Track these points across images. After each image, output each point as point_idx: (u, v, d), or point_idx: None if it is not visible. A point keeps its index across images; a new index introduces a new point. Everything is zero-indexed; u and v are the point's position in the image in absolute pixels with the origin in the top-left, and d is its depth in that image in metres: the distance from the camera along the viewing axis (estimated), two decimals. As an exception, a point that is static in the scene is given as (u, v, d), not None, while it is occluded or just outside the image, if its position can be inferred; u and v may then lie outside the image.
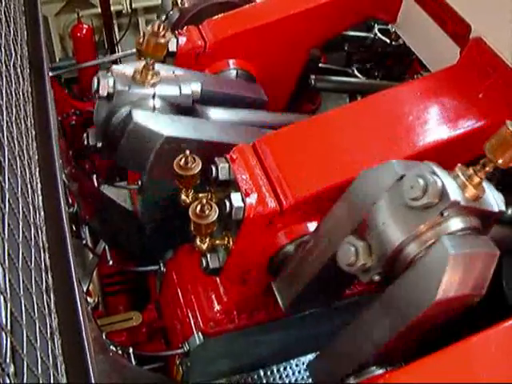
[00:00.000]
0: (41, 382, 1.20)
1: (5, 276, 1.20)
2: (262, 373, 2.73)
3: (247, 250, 2.25)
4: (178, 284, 2.91)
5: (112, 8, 5.10)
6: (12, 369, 1.10)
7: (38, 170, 1.84)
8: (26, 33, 2.37)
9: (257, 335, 2.70)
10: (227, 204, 2.10)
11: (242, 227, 2.14)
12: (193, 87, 2.73)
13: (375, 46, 4.24)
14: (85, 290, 2.80)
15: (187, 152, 2.24)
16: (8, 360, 1.09)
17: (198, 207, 2.12)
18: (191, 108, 2.75)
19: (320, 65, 4.06)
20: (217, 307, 2.70)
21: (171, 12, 3.54)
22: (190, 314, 2.76)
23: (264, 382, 2.77)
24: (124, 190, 3.71)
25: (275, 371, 2.75)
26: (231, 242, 2.24)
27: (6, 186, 1.41)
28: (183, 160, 2.23)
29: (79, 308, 1.50)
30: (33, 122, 2.00)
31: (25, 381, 1.13)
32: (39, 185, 1.78)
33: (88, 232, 3.03)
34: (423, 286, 1.70)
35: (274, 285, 2.24)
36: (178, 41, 3.00)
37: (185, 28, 3.12)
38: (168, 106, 2.68)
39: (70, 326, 1.46)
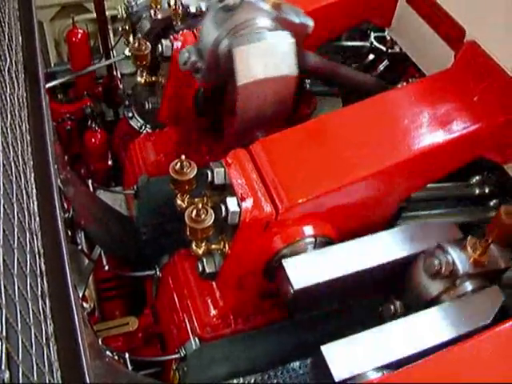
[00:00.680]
0: (36, 388, 1.20)
1: (0, 282, 1.20)
2: (259, 377, 2.72)
3: (243, 255, 2.25)
4: (174, 289, 2.91)
5: (107, 13, 5.09)
6: (7, 375, 1.09)
7: (33, 175, 1.83)
8: (20, 38, 2.37)
9: (253, 339, 2.70)
10: (223, 208, 2.10)
11: (238, 232, 2.14)
12: (309, 21, 2.68)
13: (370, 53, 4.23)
14: (80, 295, 2.79)
15: (182, 156, 2.24)
16: (3, 366, 1.09)
17: (194, 212, 2.12)
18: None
19: None
20: (213, 312, 2.69)
21: (142, 22, 3.52)
22: (186, 319, 2.75)
23: (261, 386, 2.76)
24: (120, 195, 3.71)
25: (272, 375, 2.74)
26: (227, 247, 2.23)
27: (1, 192, 1.41)
28: (179, 164, 2.23)
29: (75, 313, 1.50)
30: (28, 127, 2.00)
31: (20, 387, 1.13)
32: (34, 190, 1.78)
33: (84, 237, 3.02)
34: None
35: (287, 263, 2.18)
36: (172, 46, 3.00)
37: (180, 33, 3.12)
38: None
39: (66, 331, 1.46)
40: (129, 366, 2.63)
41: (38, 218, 1.70)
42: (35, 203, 1.74)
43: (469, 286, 2.12)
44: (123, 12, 4.24)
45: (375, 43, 4.10)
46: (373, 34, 4.10)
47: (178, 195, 2.30)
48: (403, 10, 3.05)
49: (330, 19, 3.19)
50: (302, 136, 2.40)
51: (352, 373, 1.85)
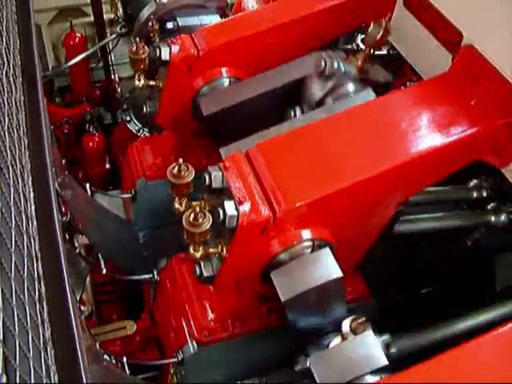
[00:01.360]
0: (34, 392, 1.19)
1: (-3, 285, 1.20)
2: (257, 381, 2.72)
3: (241, 258, 2.25)
4: (171, 292, 2.90)
5: (105, 16, 5.10)
6: (4, 379, 1.09)
7: (30, 178, 1.83)
8: (18, 41, 2.37)
9: (251, 343, 2.70)
10: (220, 212, 2.10)
11: (236, 235, 2.14)
12: None
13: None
14: (78, 298, 2.78)
15: (180, 160, 2.24)
16: (0, 370, 1.09)
17: (192, 215, 2.12)
18: None
19: None
20: (211, 315, 2.69)
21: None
22: (183, 323, 2.75)
23: (259, 390, 2.76)
24: (117, 199, 3.71)
25: (270, 379, 2.74)
26: (225, 250, 2.23)
27: (-1, 195, 1.41)
28: (176, 168, 2.23)
29: (72, 317, 1.49)
30: (25, 130, 1.99)
31: (17, 391, 1.13)
32: (32, 194, 1.78)
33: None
34: None
35: (275, 275, 2.22)
36: (170, 49, 3.00)
37: (178, 36, 3.13)
38: None
39: (63, 335, 1.45)
40: (126, 369, 2.63)
41: (35, 222, 1.70)
42: (33, 207, 1.73)
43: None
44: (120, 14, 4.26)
45: (361, 45, 4.10)
46: (360, 36, 4.10)
47: (176, 199, 2.30)
48: (401, 13, 3.05)
49: (327, 24, 3.20)
50: (300, 140, 2.40)
51: None
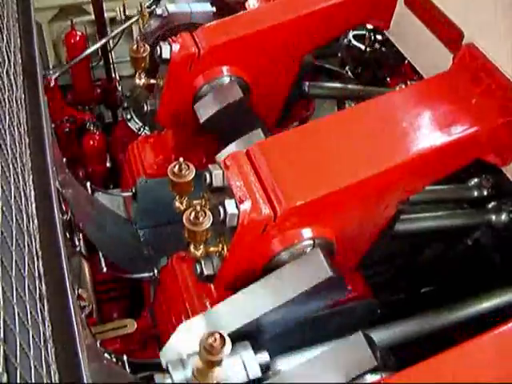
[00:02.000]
0: (34, 390, 1.20)
1: (-2, 284, 1.20)
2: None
3: (241, 257, 2.25)
4: (172, 291, 2.90)
5: (106, 15, 5.10)
6: (5, 377, 1.09)
7: (31, 177, 1.83)
8: (19, 40, 2.37)
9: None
10: (221, 211, 2.10)
11: (236, 234, 2.14)
12: None
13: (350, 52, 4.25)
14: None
15: (181, 158, 2.24)
16: (1, 368, 1.09)
17: (192, 214, 2.12)
18: None
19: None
20: (211, 314, 2.69)
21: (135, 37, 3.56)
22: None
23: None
24: (118, 197, 3.71)
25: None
26: (225, 249, 2.23)
27: (0, 194, 1.41)
28: (177, 167, 2.23)
29: (73, 316, 1.50)
30: (26, 129, 2.00)
31: (18, 389, 1.13)
32: (33, 192, 1.78)
33: (82, 239, 3.02)
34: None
35: None
36: (171, 48, 3.00)
37: (178, 35, 3.13)
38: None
39: (64, 333, 1.46)
40: (127, 368, 2.63)
41: (36, 220, 1.70)
42: (33, 205, 1.73)
43: None
44: (122, 14, 4.25)
45: (353, 41, 4.10)
46: (351, 33, 4.10)
47: (177, 197, 2.30)
48: (402, 12, 3.05)
49: (329, 22, 3.20)
50: (301, 138, 2.40)
51: None
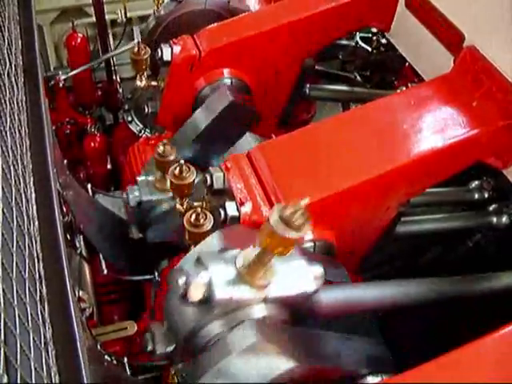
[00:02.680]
0: (34, 392, 1.19)
1: (-2, 286, 1.20)
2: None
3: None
4: (172, 293, 2.90)
5: (107, 17, 5.09)
6: (5, 379, 1.09)
7: (32, 179, 1.83)
8: (20, 42, 2.37)
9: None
10: (222, 213, 2.10)
11: (237, 236, 2.14)
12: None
13: (357, 54, 4.26)
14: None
15: (182, 161, 2.24)
16: (1, 371, 1.09)
17: (193, 216, 2.12)
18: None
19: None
20: (212, 316, 2.68)
21: (148, 20, 3.55)
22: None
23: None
24: (119, 199, 3.71)
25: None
26: (226, 251, 2.23)
27: (0, 196, 1.41)
28: (178, 169, 2.23)
29: (73, 318, 1.49)
30: (27, 131, 2.00)
31: (18, 392, 1.13)
32: (33, 194, 1.78)
33: (83, 241, 3.02)
34: None
35: None
36: (172, 50, 3.00)
37: (179, 37, 3.13)
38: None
39: (65, 335, 1.46)
40: (127, 370, 2.63)
41: (36, 222, 1.70)
42: (34, 207, 1.73)
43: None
44: (123, 16, 4.25)
45: (360, 43, 4.11)
46: (358, 35, 4.11)
47: (177, 199, 2.30)
48: (402, 14, 3.05)
49: (330, 24, 3.20)
50: (301, 141, 2.40)
51: None
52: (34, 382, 1.20)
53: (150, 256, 3.19)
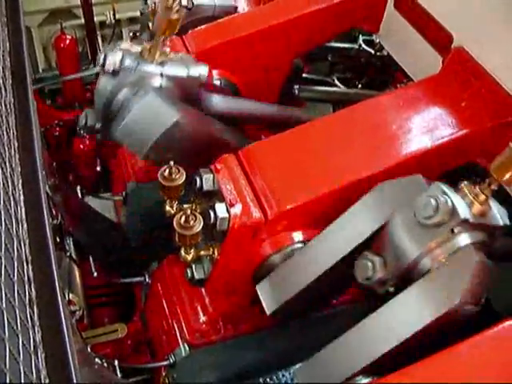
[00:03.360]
0: (24, 396, 1.19)
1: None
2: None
3: (232, 261, 2.24)
4: (163, 295, 2.90)
5: (95, 19, 5.08)
6: (-6, 383, 1.09)
7: (20, 181, 1.82)
8: (8, 44, 2.36)
9: (243, 346, 2.69)
10: (212, 214, 2.10)
11: (227, 238, 2.14)
12: (200, 70, 2.70)
13: (359, 56, 4.26)
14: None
15: (171, 163, 2.24)
16: (-10, 374, 1.08)
17: (183, 218, 2.12)
18: (196, 92, 2.75)
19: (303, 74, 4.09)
20: (202, 318, 2.68)
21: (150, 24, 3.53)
22: (175, 325, 2.74)
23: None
24: (108, 202, 3.70)
25: (262, 382, 2.73)
26: (216, 253, 2.23)
27: (-12, 199, 1.40)
28: (167, 171, 2.22)
29: (63, 321, 1.49)
30: (15, 133, 1.99)
31: (8, 395, 1.12)
32: (22, 197, 1.77)
33: (72, 244, 3.01)
34: (443, 291, 1.82)
35: (260, 288, 2.22)
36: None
37: (168, 39, 3.12)
38: (174, 87, 2.65)
39: (54, 339, 1.45)
40: (118, 373, 2.62)
41: (25, 225, 1.69)
42: (23, 210, 1.73)
43: (467, 238, 1.88)
44: (112, 18, 4.23)
45: (363, 46, 4.12)
46: (361, 37, 4.12)
47: (167, 201, 2.29)
48: (391, 15, 3.06)
49: (319, 25, 3.20)
50: (291, 142, 2.40)
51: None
52: (23, 385, 1.19)
53: (139, 258, 3.19)
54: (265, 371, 2.70)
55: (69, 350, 1.42)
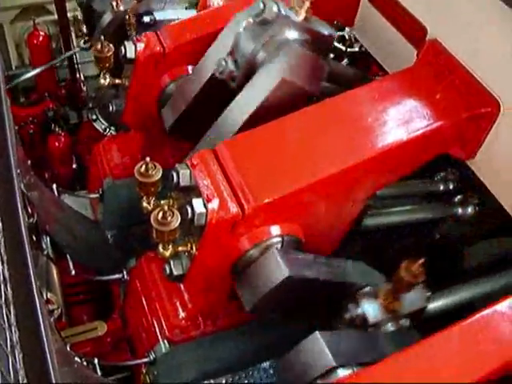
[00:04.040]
0: (2, 397, 1.18)
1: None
2: (230, 378, 2.72)
3: (210, 256, 2.24)
4: (141, 292, 2.89)
5: (69, 15, 5.04)
6: (-29, 385, 1.08)
7: (-5, 180, 1.81)
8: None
9: (223, 341, 2.70)
10: (189, 210, 2.09)
11: (205, 233, 2.13)
12: (332, 31, 2.83)
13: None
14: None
15: (147, 158, 2.23)
16: (-33, 376, 1.07)
17: (160, 214, 2.11)
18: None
19: None
20: (182, 314, 2.68)
21: (104, 16, 3.51)
22: (154, 322, 2.73)
23: (232, 387, 2.76)
24: (85, 199, 3.68)
25: (243, 376, 2.74)
26: (194, 248, 2.23)
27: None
28: (144, 167, 2.21)
29: (41, 320, 1.48)
30: (-12, 131, 1.97)
31: (-15, 397, 1.11)
32: (-4, 195, 1.75)
33: (49, 242, 2.99)
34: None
35: (238, 283, 2.23)
36: (136, 47, 2.98)
37: (143, 34, 3.10)
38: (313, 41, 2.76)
39: (32, 338, 1.44)
40: (98, 371, 2.61)
41: (0, 224, 1.68)
42: (-2, 209, 1.71)
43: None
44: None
45: (335, 42, 4.12)
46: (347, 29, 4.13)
47: (144, 198, 2.28)
48: (366, 9, 3.07)
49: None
50: (267, 136, 2.40)
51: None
52: (0, 386, 1.18)
53: (117, 255, 3.18)
54: (245, 366, 2.71)
55: (47, 349, 1.41)
